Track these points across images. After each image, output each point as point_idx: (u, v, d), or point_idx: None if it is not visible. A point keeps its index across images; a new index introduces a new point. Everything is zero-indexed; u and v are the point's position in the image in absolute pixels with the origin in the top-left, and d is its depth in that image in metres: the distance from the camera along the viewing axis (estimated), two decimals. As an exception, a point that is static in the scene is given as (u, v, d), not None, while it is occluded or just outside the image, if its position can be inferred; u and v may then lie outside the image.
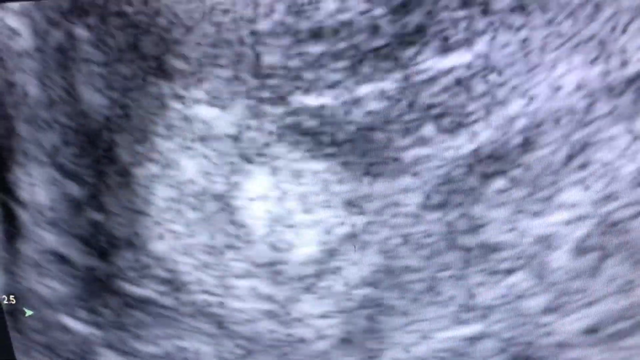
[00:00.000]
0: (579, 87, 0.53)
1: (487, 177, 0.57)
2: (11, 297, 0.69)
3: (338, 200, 0.59)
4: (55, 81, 0.59)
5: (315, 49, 0.55)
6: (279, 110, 0.57)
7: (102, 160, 0.62)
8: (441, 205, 0.58)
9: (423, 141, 0.56)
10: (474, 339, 0.62)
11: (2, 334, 0.71)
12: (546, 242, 0.58)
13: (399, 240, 0.60)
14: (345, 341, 0.65)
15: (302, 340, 0.65)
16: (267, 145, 0.58)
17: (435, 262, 0.60)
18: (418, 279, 0.61)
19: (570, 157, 0.55)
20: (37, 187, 0.64)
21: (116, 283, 0.66)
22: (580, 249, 0.57)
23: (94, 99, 0.59)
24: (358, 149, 0.57)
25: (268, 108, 0.57)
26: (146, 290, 0.66)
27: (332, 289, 0.62)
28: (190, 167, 0.60)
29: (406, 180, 0.58)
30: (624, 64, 0.51)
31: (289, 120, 0.57)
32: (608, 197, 0.55)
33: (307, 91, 0.56)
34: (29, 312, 0.69)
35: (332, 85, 0.56)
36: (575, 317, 0.60)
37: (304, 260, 0.62)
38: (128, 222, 0.63)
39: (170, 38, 0.56)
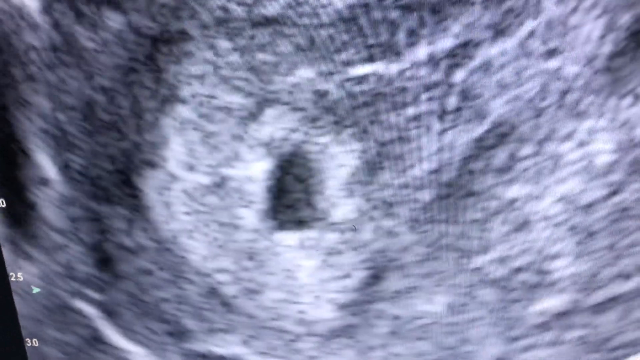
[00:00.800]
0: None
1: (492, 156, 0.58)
2: (19, 274, 0.70)
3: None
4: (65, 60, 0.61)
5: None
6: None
7: (110, 143, 0.63)
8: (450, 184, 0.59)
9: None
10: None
11: (9, 313, 0.72)
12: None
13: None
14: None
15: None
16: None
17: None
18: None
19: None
20: (48, 169, 0.65)
21: (124, 264, 0.68)
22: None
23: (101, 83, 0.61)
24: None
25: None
26: (155, 271, 0.67)
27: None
28: (201, 156, 0.61)
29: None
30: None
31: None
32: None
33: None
34: (36, 289, 0.70)
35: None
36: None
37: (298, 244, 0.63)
38: (137, 207, 0.65)
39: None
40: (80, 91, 0.62)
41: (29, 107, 0.63)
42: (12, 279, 0.70)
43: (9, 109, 0.64)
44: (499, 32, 0.54)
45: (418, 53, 0.55)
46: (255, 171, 0.61)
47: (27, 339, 0.74)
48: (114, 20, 0.58)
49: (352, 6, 0.54)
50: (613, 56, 0.53)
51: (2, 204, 0.67)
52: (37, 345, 0.74)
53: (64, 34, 0.60)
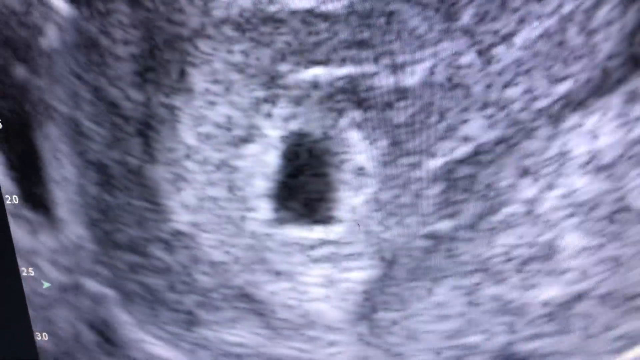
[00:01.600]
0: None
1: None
2: (30, 269, 0.70)
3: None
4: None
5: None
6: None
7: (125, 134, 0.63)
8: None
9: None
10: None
11: (20, 307, 0.72)
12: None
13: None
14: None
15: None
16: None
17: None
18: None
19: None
20: (64, 162, 0.65)
21: (137, 255, 0.68)
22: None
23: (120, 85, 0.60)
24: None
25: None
26: (168, 261, 0.68)
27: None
28: (217, 154, 0.61)
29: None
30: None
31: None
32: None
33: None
34: (46, 284, 0.70)
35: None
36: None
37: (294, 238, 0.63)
38: (149, 196, 0.65)
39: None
40: (96, 86, 0.62)
41: (46, 101, 0.63)
42: (24, 274, 0.70)
43: (26, 103, 0.63)
44: (504, 36, 0.54)
45: (426, 52, 0.56)
46: (266, 164, 0.61)
47: (37, 333, 0.74)
48: (129, 17, 0.58)
49: (357, 12, 0.55)
50: (612, 57, 0.54)
51: (15, 200, 0.66)
52: (46, 339, 0.74)
53: (81, 31, 0.60)
